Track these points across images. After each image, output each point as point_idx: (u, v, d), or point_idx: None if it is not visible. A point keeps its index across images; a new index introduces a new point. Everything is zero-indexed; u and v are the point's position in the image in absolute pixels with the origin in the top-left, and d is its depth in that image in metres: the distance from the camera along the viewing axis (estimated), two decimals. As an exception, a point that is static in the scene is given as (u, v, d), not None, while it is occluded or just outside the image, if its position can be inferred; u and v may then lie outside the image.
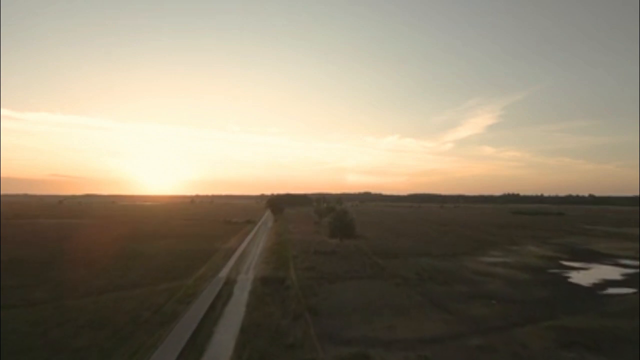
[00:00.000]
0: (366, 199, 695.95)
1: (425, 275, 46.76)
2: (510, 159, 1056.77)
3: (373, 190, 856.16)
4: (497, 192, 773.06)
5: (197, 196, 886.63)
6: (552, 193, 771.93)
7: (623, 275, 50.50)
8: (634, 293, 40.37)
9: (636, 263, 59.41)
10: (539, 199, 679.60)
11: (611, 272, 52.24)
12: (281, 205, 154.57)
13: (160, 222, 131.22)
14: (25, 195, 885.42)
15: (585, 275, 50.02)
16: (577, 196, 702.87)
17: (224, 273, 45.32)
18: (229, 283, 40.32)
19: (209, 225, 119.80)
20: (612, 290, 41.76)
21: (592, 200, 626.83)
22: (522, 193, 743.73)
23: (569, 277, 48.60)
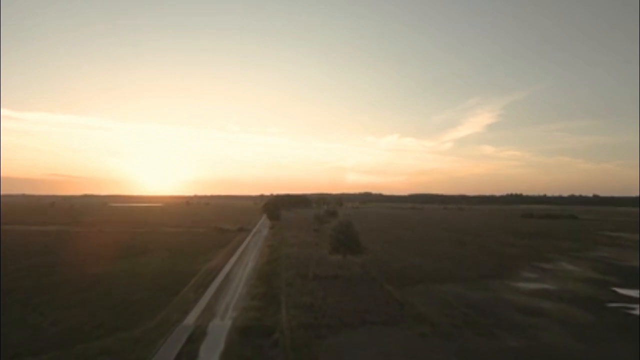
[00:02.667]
0: (367, 199, 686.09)
1: (458, 316, 35.86)
2: (510, 159, 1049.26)
3: (373, 190, 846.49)
4: (498, 192, 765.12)
5: (195, 196, 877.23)
6: (553, 192, 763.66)
7: None
8: None
9: None
10: (543, 200, 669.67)
11: (688, 308, 41.30)
12: (278, 211, 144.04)
13: (145, 230, 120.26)
14: (23, 196, 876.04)
15: (660, 314, 39.05)
16: (581, 196, 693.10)
17: (193, 315, 34.41)
18: (196, 337, 29.41)
19: (197, 234, 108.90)
20: None
21: (597, 200, 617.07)
22: (524, 193, 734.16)
23: (641, 318, 37.67)
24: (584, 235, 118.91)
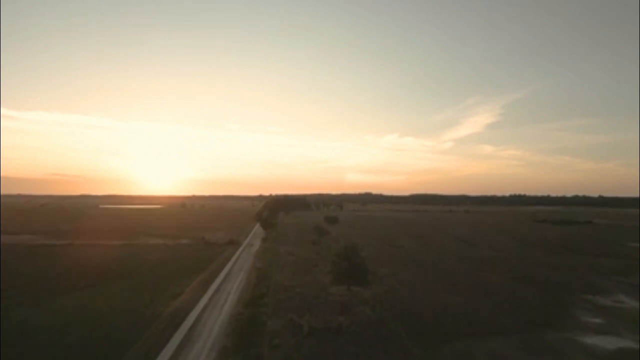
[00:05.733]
0: (367, 199, 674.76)
1: None
2: (510, 158, 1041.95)
3: (374, 191, 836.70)
4: (499, 191, 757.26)
5: (194, 196, 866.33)
6: (554, 192, 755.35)
7: None
8: None
9: None
10: (547, 201, 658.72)
11: None
12: (273, 218, 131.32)
13: (124, 242, 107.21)
14: (19, 196, 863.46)
15: None
16: (585, 197, 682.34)
17: None
18: None
19: (180, 248, 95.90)
20: None
21: (603, 201, 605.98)
22: (527, 193, 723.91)
23: None
24: (616, 248, 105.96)
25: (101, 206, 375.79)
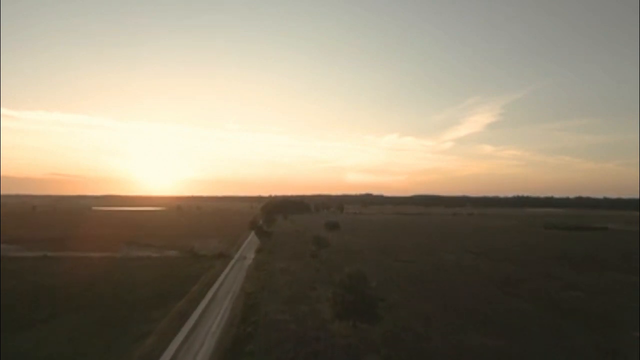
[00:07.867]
0: (368, 201, 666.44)
1: None
2: (510, 158, 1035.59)
3: (374, 191, 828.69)
4: (499, 192, 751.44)
5: (193, 197, 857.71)
6: (554, 192, 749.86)
7: None
8: None
9: None
10: (551, 202, 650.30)
11: None
12: (268, 226, 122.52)
13: (105, 254, 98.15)
14: (18, 196, 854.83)
15: None
16: (588, 198, 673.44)
17: None
18: None
19: (164, 262, 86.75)
20: None
21: (608, 203, 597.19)
22: (527, 193, 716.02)
23: None
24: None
25: (95, 208, 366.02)
